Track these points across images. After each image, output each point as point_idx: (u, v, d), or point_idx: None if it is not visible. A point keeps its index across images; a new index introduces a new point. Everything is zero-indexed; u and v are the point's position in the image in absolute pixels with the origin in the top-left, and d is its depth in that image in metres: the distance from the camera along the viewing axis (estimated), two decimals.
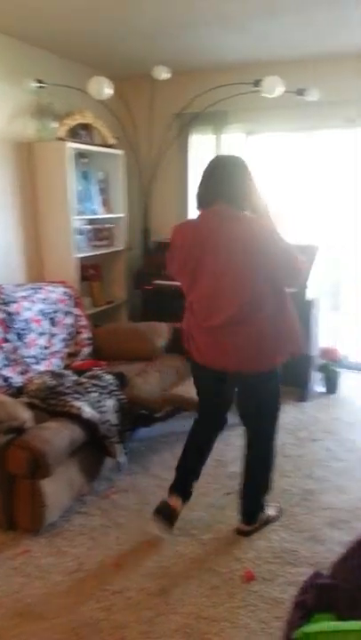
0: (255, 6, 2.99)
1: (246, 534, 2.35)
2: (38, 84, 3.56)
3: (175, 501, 2.33)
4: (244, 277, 2.05)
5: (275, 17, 3.15)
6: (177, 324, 3.67)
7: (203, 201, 2.19)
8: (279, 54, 3.91)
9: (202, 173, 2.20)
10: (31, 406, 2.64)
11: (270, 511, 2.45)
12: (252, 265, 2.04)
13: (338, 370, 3.89)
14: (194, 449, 2.43)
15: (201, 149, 4.58)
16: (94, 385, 2.87)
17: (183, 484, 2.37)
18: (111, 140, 4.19)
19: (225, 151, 4.40)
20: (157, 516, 2.32)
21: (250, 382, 2.21)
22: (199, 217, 2.20)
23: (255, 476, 2.34)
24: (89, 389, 2.81)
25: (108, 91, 3.54)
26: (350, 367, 4.22)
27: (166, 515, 2.31)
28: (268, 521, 2.42)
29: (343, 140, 4.18)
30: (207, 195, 2.16)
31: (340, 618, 1.73)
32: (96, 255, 4.18)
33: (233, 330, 2.11)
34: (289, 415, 3.56)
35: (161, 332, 3.59)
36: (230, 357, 2.14)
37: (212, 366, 2.21)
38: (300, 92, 3.76)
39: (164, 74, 3.74)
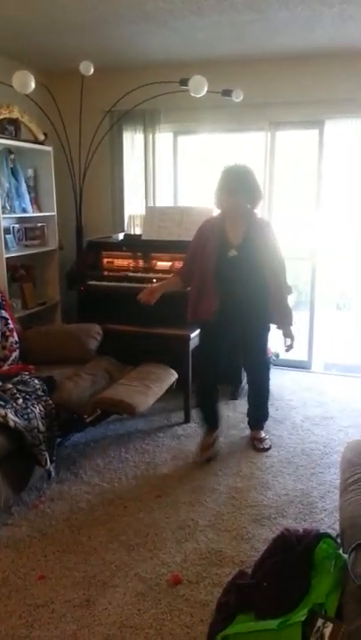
0: (180, 5, 2.98)
1: (263, 441, 3.24)
2: None
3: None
4: None
5: (200, 17, 3.16)
6: (111, 325, 3.67)
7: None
8: (207, 54, 3.93)
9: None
10: None
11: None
12: None
13: None
14: None
15: (135, 147, 4.55)
16: (20, 391, 2.79)
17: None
18: (40, 136, 4.07)
19: (157, 150, 4.40)
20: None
21: None
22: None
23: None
24: (15, 396, 2.74)
25: (32, 85, 3.44)
26: (280, 365, 4.33)
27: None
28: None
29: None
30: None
31: (259, 617, 1.79)
32: (27, 255, 4.07)
33: None
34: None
35: (93, 334, 3.54)
36: None
37: None
38: (227, 93, 3.80)
39: (90, 69, 3.67)
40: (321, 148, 4.22)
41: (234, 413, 3.65)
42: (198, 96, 3.70)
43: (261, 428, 3.34)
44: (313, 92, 4.03)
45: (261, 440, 3.26)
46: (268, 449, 3.19)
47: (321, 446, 3.21)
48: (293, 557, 1.81)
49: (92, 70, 3.69)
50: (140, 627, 1.89)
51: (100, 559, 2.23)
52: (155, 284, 3.17)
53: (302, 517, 2.51)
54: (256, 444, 3.22)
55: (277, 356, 4.10)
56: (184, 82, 3.71)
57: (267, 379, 3.32)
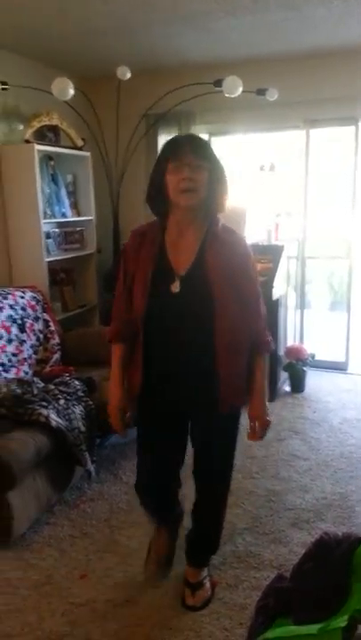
0: (215, 7, 2.99)
1: (199, 588, 2.08)
2: (2, 86, 3.50)
3: None
4: None
5: (235, 17, 3.16)
6: None
7: None
8: (241, 54, 3.92)
9: None
10: None
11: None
12: None
13: (304, 368, 3.95)
14: None
15: None
16: (62, 392, 2.87)
17: None
18: (79, 142, 4.15)
19: None
20: None
21: None
22: None
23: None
24: (57, 396, 2.82)
25: (71, 91, 3.51)
26: (316, 366, 4.28)
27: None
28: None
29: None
30: None
31: (298, 621, 1.79)
32: (67, 259, 4.15)
33: None
34: None
35: None
36: None
37: None
38: (261, 93, 3.78)
39: (127, 74, 3.72)
40: (357, 144, 4.16)
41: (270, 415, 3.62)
42: (233, 96, 3.70)
43: (202, 565, 2.11)
44: (348, 89, 3.97)
45: (197, 585, 2.04)
46: (200, 607, 1.99)
47: (360, 449, 3.16)
48: (333, 562, 1.80)
49: (129, 75, 3.73)
50: (179, 628, 1.92)
51: (139, 560, 2.27)
52: (110, 407, 1.93)
53: (341, 521, 2.49)
54: (187, 592, 2.04)
55: (313, 356, 4.06)
56: (218, 83, 3.72)
57: (223, 496, 2.06)
